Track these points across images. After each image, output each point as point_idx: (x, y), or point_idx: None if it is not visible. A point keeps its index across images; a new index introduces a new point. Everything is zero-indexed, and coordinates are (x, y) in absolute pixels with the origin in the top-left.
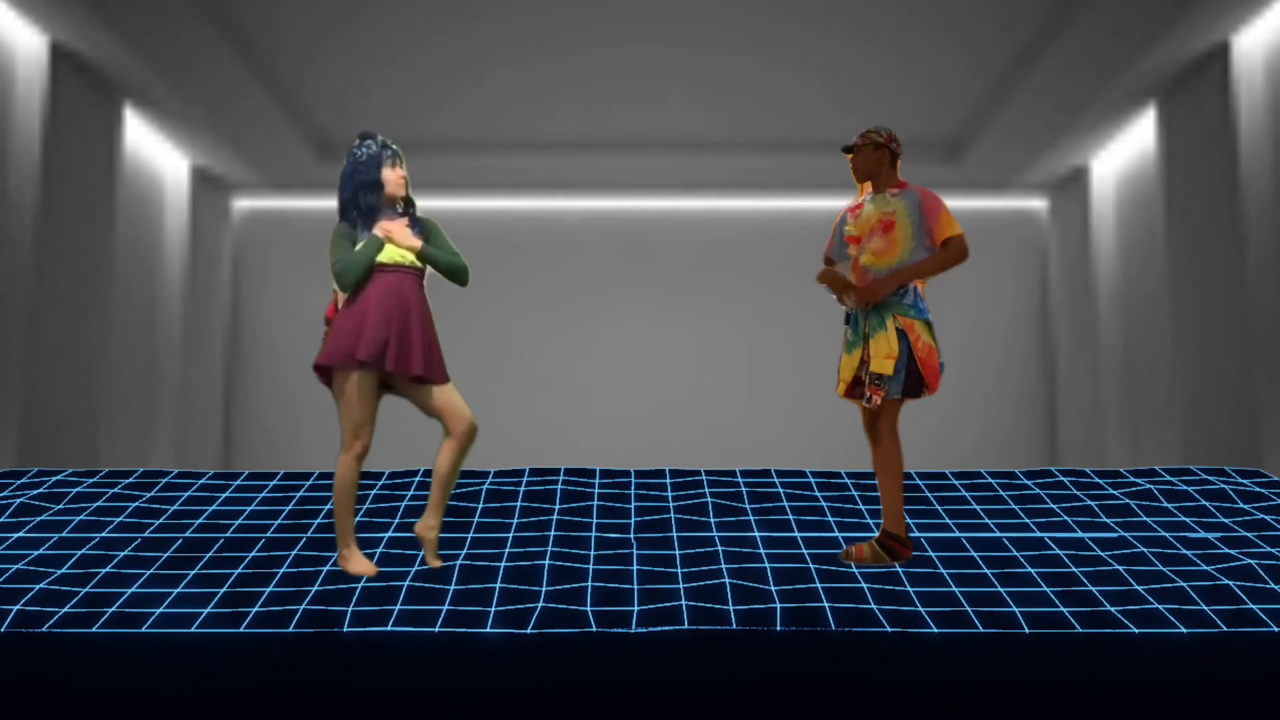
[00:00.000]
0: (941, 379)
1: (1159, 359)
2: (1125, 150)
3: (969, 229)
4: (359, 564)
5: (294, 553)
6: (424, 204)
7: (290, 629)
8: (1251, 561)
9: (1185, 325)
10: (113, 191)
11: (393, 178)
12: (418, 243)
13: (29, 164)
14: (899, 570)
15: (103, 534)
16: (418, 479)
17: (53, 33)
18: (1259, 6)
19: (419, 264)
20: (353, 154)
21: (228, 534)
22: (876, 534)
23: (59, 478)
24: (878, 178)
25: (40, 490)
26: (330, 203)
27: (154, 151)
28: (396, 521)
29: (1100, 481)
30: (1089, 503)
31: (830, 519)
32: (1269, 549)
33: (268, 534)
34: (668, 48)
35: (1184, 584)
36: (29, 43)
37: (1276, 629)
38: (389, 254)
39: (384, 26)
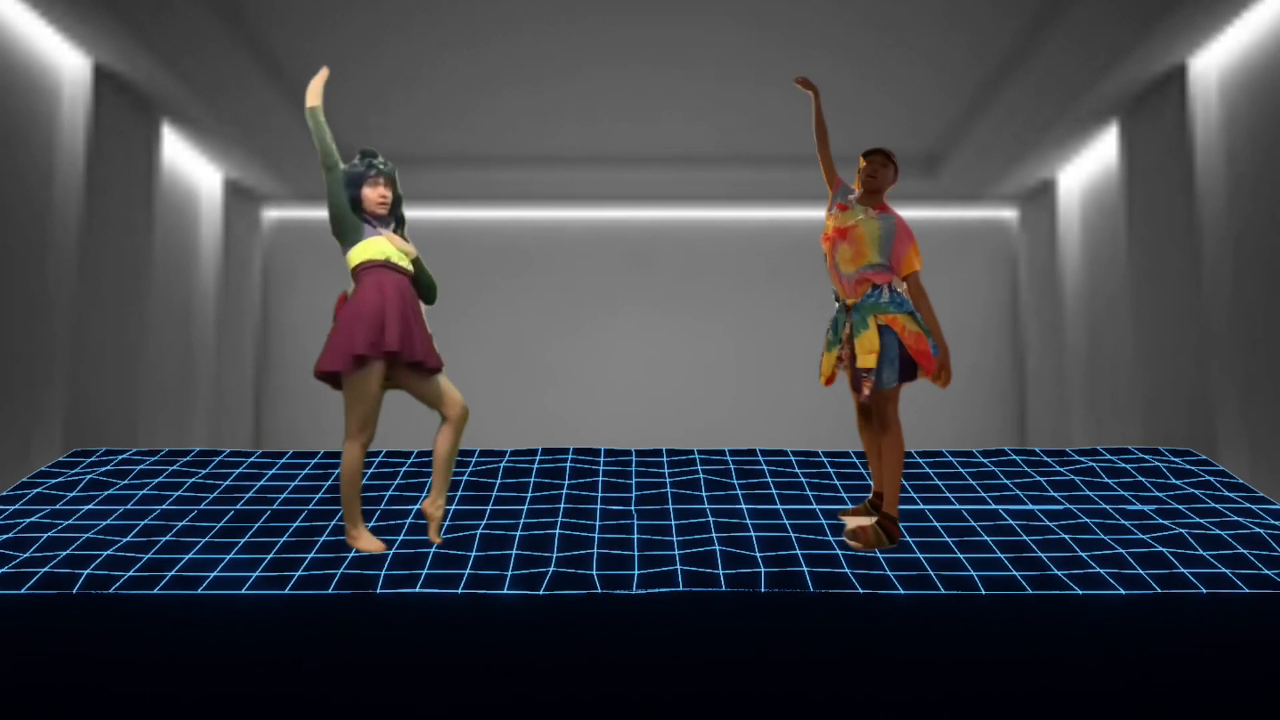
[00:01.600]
0: (937, 361)
1: (1121, 357)
2: (1089, 164)
3: (944, 238)
4: (368, 542)
5: (332, 523)
6: (439, 214)
7: (329, 591)
8: (1182, 531)
9: (1145, 326)
10: (151, 202)
11: (372, 195)
12: (413, 250)
13: (73, 177)
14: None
15: (163, 506)
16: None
17: (96, 55)
18: (1214, 31)
19: (411, 268)
20: (343, 169)
21: (274, 507)
22: (853, 510)
23: (124, 456)
24: (880, 193)
25: (107, 467)
26: None
27: (190, 165)
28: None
29: (1048, 459)
30: (1038, 478)
31: (809, 493)
32: (1197, 520)
33: (309, 507)
34: (664, 70)
35: (1122, 551)
36: (74, 64)
37: (1204, 590)
38: (391, 253)
39: (402, 50)
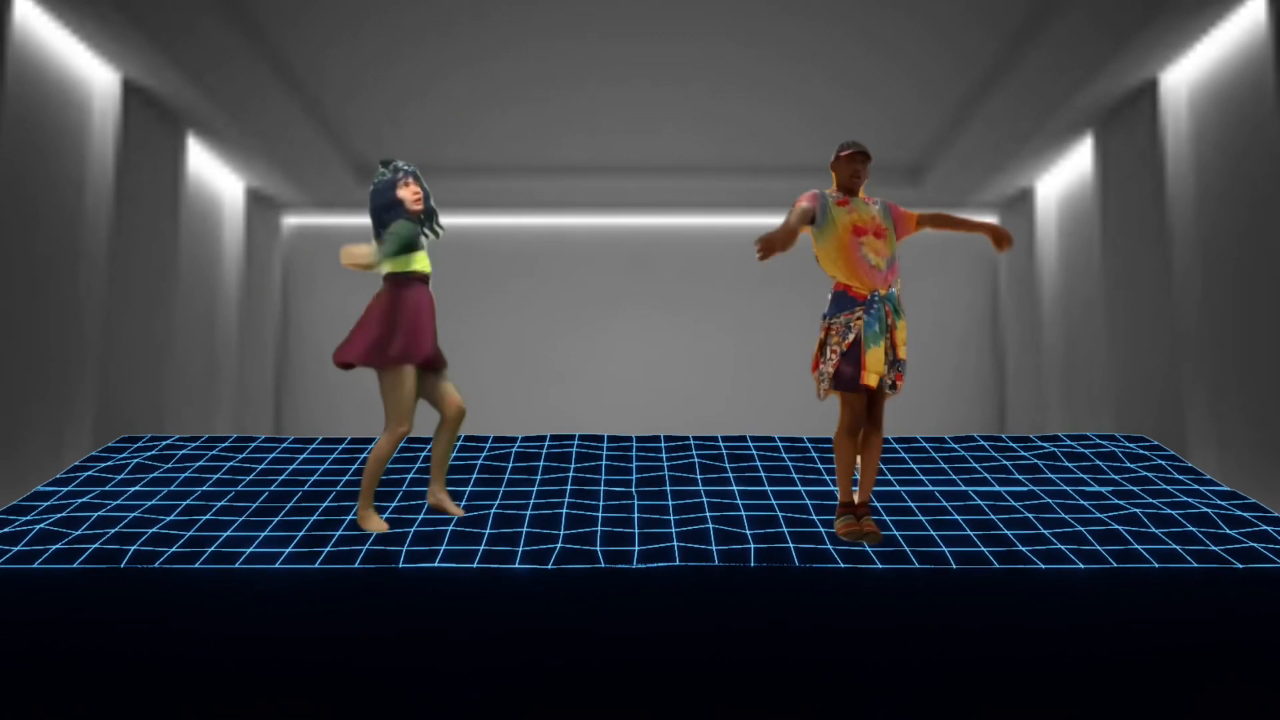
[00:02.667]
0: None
1: (1095, 357)
2: (1066, 174)
3: (928, 243)
4: (375, 523)
5: (358, 504)
6: (450, 221)
7: (355, 565)
8: (1136, 510)
9: (1118, 328)
10: (177, 210)
11: (408, 195)
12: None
13: (104, 186)
14: (824, 532)
15: (203, 488)
16: (458, 442)
17: (125, 70)
18: (1183, 47)
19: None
20: (373, 182)
21: (304, 488)
22: (846, 524)
23: (168, 442)
24: (854, 187)
25: (152, 452)
26: (368, 220)
27: (213, 175)
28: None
29: (1013, 445)
30: (1004, 462)
31: (794, 475)
32: (1150, 500)
33: (337, 489)
34: (663, 85)
35: (1081, 528)
36: (104, 79)
37: (1156, 565)
38: (426, 265)
39: (415, 66)
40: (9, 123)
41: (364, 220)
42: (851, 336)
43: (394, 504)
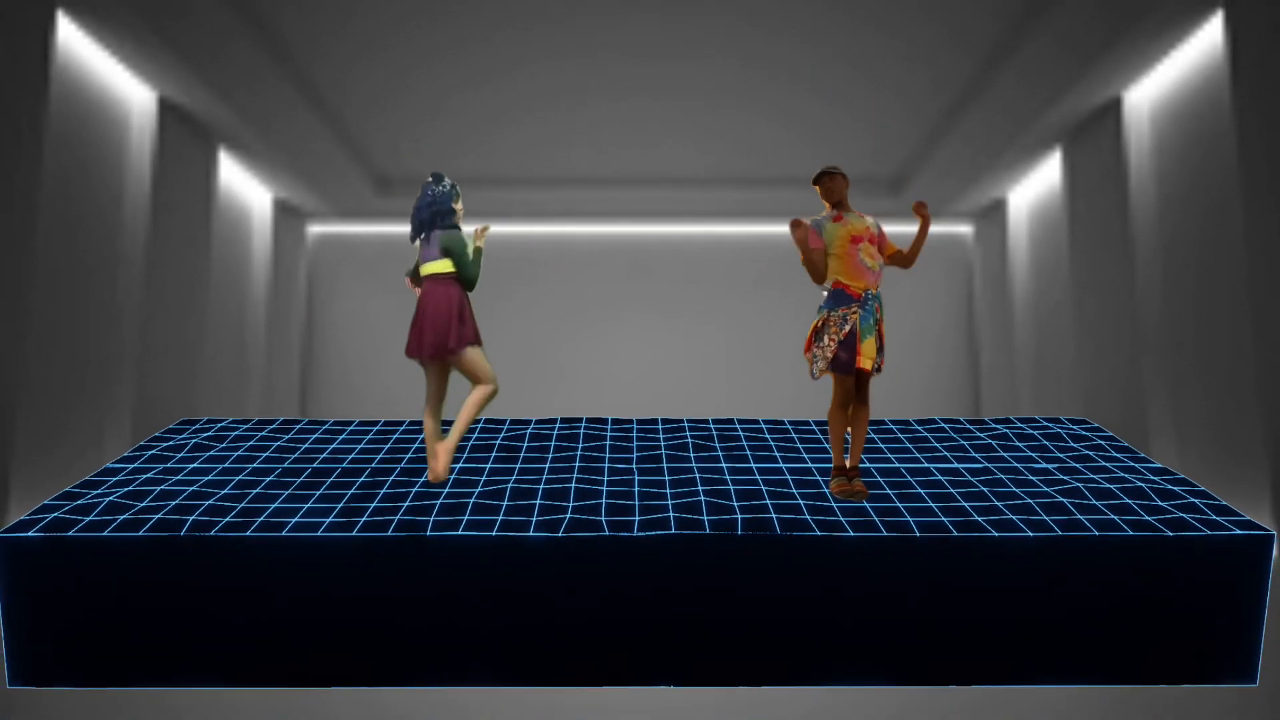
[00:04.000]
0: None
1: (1063, 355)
2: (1036, 185)
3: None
4: (443, 467)
5: (390, 479)
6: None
7: (388, 533)
8: (1078, 484)
9: (1085, 329)
10: (209, 219)
11: (460, 209)
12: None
13: (141, 197)
14: (825, 489)
15: (253, 465)
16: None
17: (161, 89)
18: (1145, 68)
19: None
20: (429, 189)
21: (343, 465)
22: (838, 484)
23: (222, 424)
24: (843, 201)
25: (209, 433)
26: (387, 228)
27: (243, 186)
28: (463, 463)
29: (970, 427)
30: (962, 442)
31: (776, 453)
32: (1091, 475)
33: (372, 465)
34: (662, 101)
35: (1030, 500)
36: (142, 97)
37: (1096, 533)
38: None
39: (430, 84)
40: (53, 138)
41: (383, 229)
42: (848, 328)
43: (421, 479)
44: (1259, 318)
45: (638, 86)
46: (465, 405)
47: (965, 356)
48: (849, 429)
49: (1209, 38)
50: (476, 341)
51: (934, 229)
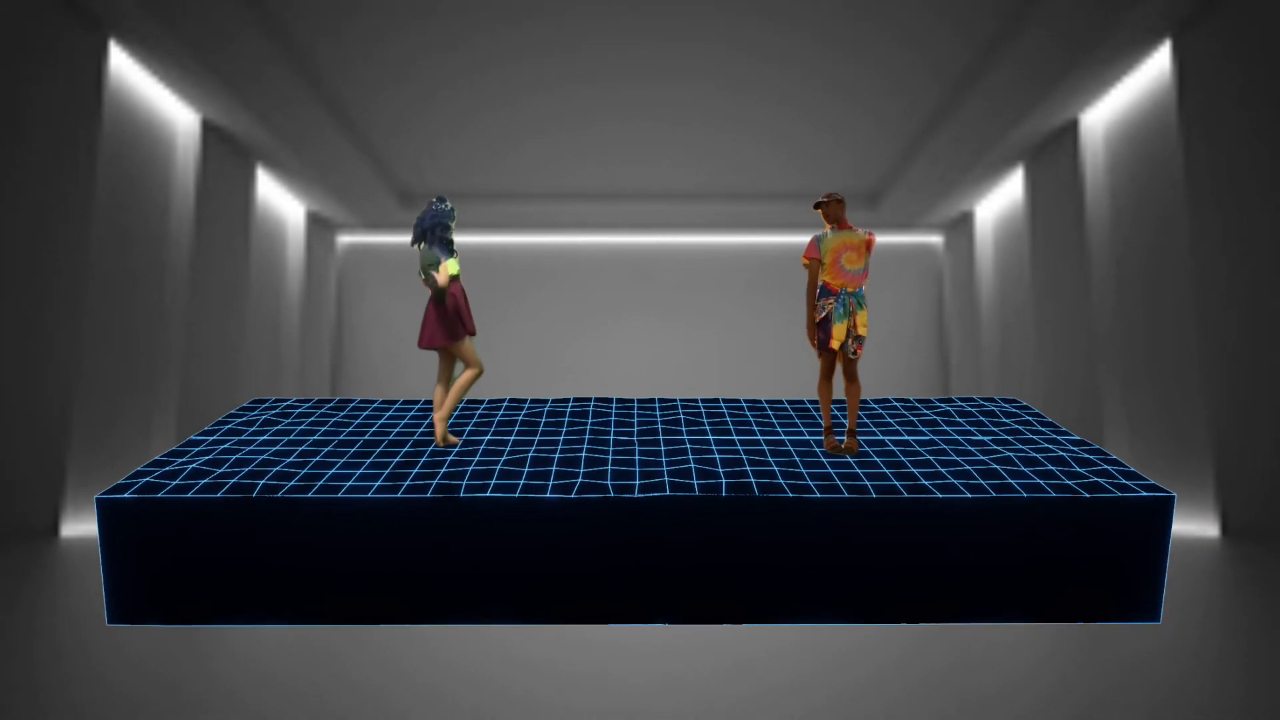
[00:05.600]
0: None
1: (1025, 356)
2: (1000, 199)
3: (883, 259)
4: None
5: (430, 449)
6: (478, 239)
7: (428, 495)
8: (1010, 454)
9: (1045, 331)
10: (248, 231)
11: (452, 228)
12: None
13: (186, 210)
14: (796, 458)
15: (314, 437)
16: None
17: (204, 111)
18: (1100, 92)
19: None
20: (435, 206)
21: (389, 437)
22: (833, 443)
23: (288, 403)
24: (840, 219)
25: (277, 410)
26: (410, 238)
27: (279, 200)
28: (491, 435)
29: (918, 405)
30: (911, 418)
31: (755, 428)
32: (1020, 446)
33: (414, 437)
34: (661, 124)
35: (969, 467)
36: (186, 119)
37: (1025, 495)
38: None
39: (449, 108)
40: (106, 157)
41: (406, 239)
42: (823, 314)
43: (456, 451)
44: (1203, 320)
45: (638, 110)
46: (455, 385)
47: (936, 355)
48: (847, 401)
49: (1158, 65)
50: (467, 335)
51: (905, 239)
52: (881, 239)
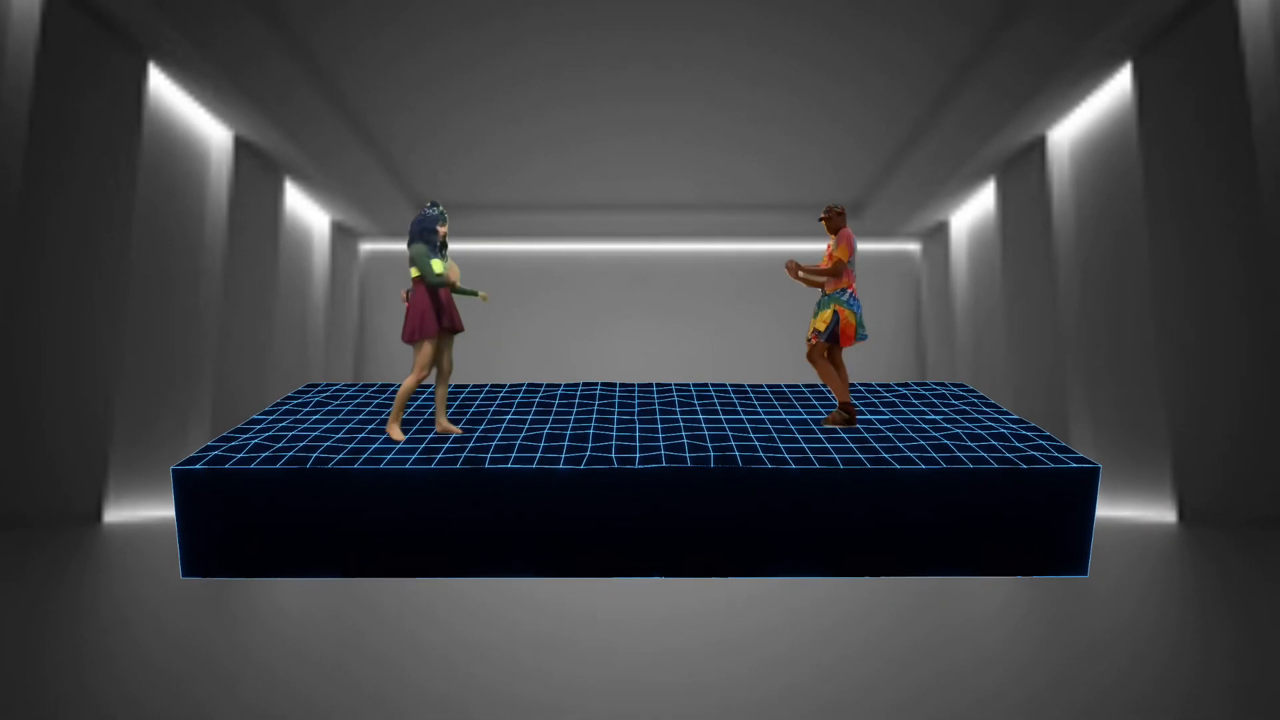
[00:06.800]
0: (857, 342)
1: (996, 354)
2: (974, 210)
3: (866, 265)
4: (397, 434)
5: (460, 426)
6: (489, 247)
7: (457, 466)
8: (958, 430)
9: (1015, 332)
10: (277, 239)
11: (441, 230)
12: (456, 269)
13: (219, 220)
14: (774, 434)
15: (359, 416)
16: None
17: (236, 128)
18: (1065, 111)
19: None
20: (425, 211)
21: (424, 417)
22: (829, 418)
23: (336, 387)
24: (836, 230)
25: (328, 393)
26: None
27: (305, 211)
28: (511, 415)
29: (879, 388)
30: (873, 399)
31: (739, 409)
32: (967, 424)
33: (447, 415)
34: (658, 140)
35: (923, 442)
36: (220, 136)
37: (971, 466)
38: (454, 275)
39: (464, 124)
40: (145, 170)
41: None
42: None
43: (481, 428)
44: (1161, 322)
45: (637, 127)
46: (399, 390)
47: (913, 354)
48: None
49: (1119, 86)
50: (425, 338)
51: (886, 246)
52: (863, 246)
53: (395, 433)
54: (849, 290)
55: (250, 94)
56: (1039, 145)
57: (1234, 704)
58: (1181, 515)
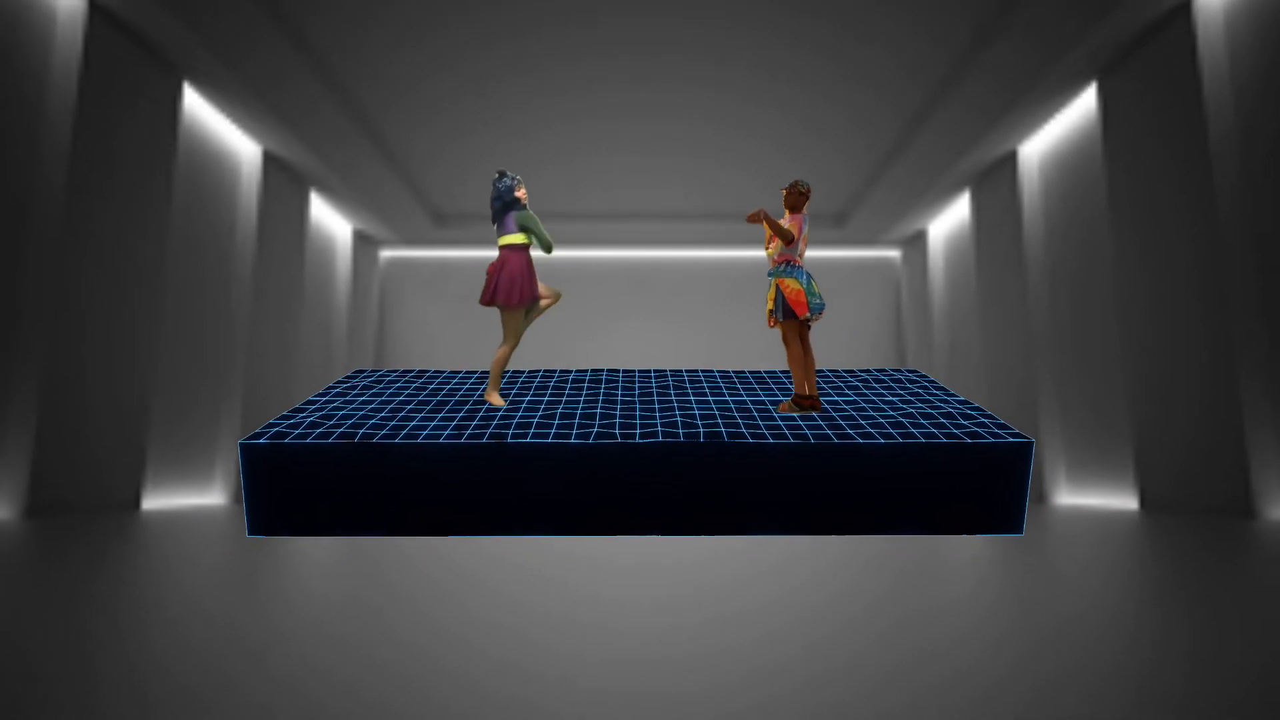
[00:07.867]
0: (819, 314)
1: (971, 354)
2: (950, 220)
3: (849, 271)
4: (497, 399)
5: (485, 407)
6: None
7: (484, 441)
8: (913, 410)
9: (990, 334)
10: (303, 247)
11: (520, 194)
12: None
13: (249, 229)
14: (755, 413)
15: (400, 398)
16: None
17: (265, 143)
18: (1035, 127)
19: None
20: (497, 185)
21: (455, 399)
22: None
23: (380, 373)
24: (793, 209)
25: (373, 378)
26: (443, 253)
27: (329, 220)
28: (530, 397)
29: (844, 374)
30: (839, 383)
31: (725, 393)
32: (920, 405)
33: (475, 397)
34: (656, 154)
35: (882, 420)
36: (250, 150)
37: (923, 441)
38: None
39: (477, 140)
40: (181, 183)
41: (440, 253)
42: None
43: (504, 409)
44: (1124, 323)
45: (637, 142)
46: (493, 360)
47: (894, 355)
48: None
49: (1085, 104)
50: (529, 299)
51: (868, 253)
52: (846, 254)
53: (495, 399)
54: (788, 261)
55: (278, 111)
56: (1011, 159)
57: (1191, 663)
58: (1143, 503)
